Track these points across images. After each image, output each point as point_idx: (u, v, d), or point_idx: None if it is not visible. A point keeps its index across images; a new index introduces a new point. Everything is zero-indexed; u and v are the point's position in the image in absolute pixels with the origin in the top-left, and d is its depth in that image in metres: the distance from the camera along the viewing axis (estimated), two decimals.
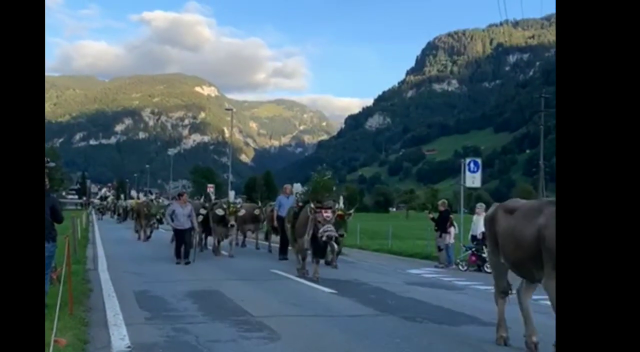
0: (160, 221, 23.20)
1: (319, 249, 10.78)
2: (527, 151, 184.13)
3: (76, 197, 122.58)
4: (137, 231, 23.34)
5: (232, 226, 14.97)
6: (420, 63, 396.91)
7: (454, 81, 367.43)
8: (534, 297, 5.97)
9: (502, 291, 5.93)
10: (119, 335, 5.80)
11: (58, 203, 7.48)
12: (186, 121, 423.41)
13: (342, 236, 11.90)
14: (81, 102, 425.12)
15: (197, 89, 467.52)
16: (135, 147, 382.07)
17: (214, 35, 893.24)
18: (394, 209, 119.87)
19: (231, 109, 62.26)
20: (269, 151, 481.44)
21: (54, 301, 5.62)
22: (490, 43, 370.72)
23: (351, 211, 13.02)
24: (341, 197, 12.68)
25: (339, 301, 8.50)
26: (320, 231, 10.19)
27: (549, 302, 5.18)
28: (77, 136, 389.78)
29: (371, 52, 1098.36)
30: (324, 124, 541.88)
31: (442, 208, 15.22)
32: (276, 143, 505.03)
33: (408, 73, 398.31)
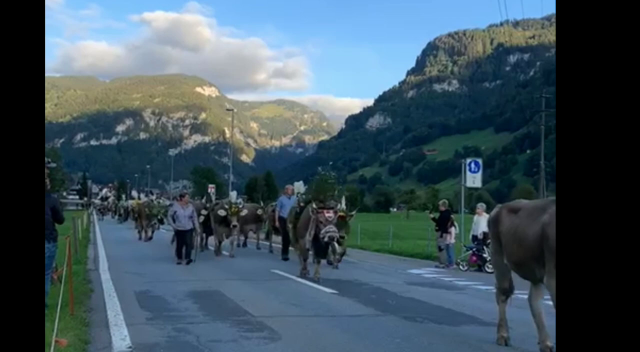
0: (161, 221, 23.23)
1: (321, 249, 10.74)
2: (528, 151, 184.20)
3: (77, 197, 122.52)
4: (138, 231, 23.36)
5: (235, 226, 14.96)
6: (421, 63, 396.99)
7: (455, 81, 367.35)
8: None
9: (504, 293, 5.92)
10: (120, 335, 5.80)
11: (59, 203, 7.48)
12: (187, 122, 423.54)
13: (342, 237, 11.84)
14: (82, 102, 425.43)
15: (198, 89, 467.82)
16: (136, 148, 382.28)
17: (214, 36, 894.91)
18: (395, 209, 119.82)
19: (232, 110, 62.35)
20: (270, 151, 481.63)
21: (55, 301, 5.62)
22: (491, 43, 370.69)
23: (353, 212, 12.99)
24: (343, 198, 12.64)
25: (340, 301, 8.50)
26: (322, 231, 10.12)
27: (550, 303, 5.17)
28: (78, 137, 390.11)
29: (371, 53, 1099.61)
30: (325, 124, 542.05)
31: (442, 208, 15.21)
32: (277, 143, 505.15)
33: (408, 73, 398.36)
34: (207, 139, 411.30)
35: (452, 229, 14.54)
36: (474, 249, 13.88)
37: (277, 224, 15.68)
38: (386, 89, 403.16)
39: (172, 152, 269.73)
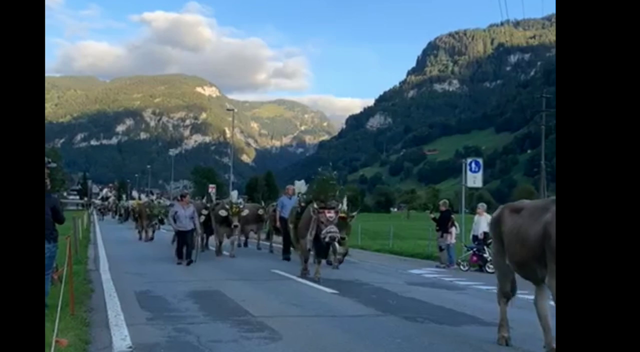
0: (161, 222, 23.23)
1: (322, 249, 10.71)
2: (529, 151, 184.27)
3: (77, 197, 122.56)
4: (138, 232, 23.38)
5: (236, 226, 14.95)
6: (421, 63, 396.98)
7: (455, 81, 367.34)
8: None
9: (505, 295, 5.90)
10: (121, 335, 5.80)
11: (59, 204, 7.48)
12: (187, 122, 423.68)
13: (343, 239, 11.81)
14: (82, 102, 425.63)
15: (198, 89, 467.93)
16: (137, 148, 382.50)
17: (214, 36, 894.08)
18: (395, 209, 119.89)
19: (232, 110, 62.41)
20: (270, 151, 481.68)
21: (56, 302, 5.62)
22: (491, 43, 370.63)
23: (354, 214, 12.97)
24: (345, 199, 12.59)
25: (341, 301, 8.50)
26: (324, 232, 10.08)
27: (552, 303, 5.16)
28: (79, 137, 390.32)
29: (372, 52, 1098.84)
30: (325, 124, 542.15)
31: (443, 208, 15.21)
32: (277, 143, 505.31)
33: (409, 73, 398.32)
34: (207, 139, 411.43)
35: (453, 229, 14.54)
36: (475, 249, 13.88)
37: (278, 224, 15.67)
38: (387, 89, 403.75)
39: (173, 152, 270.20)
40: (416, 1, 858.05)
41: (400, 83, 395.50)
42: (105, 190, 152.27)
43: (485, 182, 23.73)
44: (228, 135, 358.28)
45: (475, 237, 14.17)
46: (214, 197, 18.76)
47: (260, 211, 17.60)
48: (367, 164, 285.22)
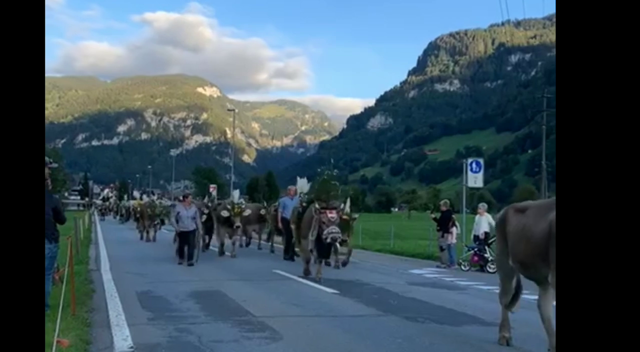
0: (162, 222, 23.24)
1: (323, 250, 10.68)
2: (529, 151, 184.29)
3: (78, 197, 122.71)
4: (139, 232, 23.39)
5: (238, 227, 14.94)
6: (422, 63, 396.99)
7: (456, 81, 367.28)
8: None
9: (507, 300, 5.88)
10: (122, 335, 5.81)
11: (60, 204, 7.49)
12: (188, 122, 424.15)
13: (344, 241, 11.77)
14: (83, 102, 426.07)
15: (199, 89, 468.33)
16: (138, 148, 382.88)
17: (215, 36, 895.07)
18: (396, 209, 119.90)
19: (233, 110, 62.45)
20: (271, 152, 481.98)
21: (57, 302, 5.62)
22: (492, 43, 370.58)
23: (356, 215, 12.93)
24: (348, 200, 12.53)
25: (341, 301, 8.50)
26: (325, 232, 10.04)
27: (554, 303, 5.15)
28: (80, 137, 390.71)
29: (373, 52, 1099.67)
30: (326, 124, 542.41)
31: (444, 208, 15.21)
32: (278, 143, 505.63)
33: (410, 73, 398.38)
34: (208, 139, 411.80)
35: (454, 229, 14.53)
36: (476, 249, 13.87)
37: (279, 224, 15.66)
38: (387, 89, 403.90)
39: (174, 152, 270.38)
40: (417, 1, 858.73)
41: (401, 83, 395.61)
42: (106, 190, 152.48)
43: (486, 182, 23.74)
44: (229, 135, 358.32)
45: (476, 237, 14.16)
46: (215, 198, 18.76)
47: (263, 211, 17.60)
48: (367, 164, 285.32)
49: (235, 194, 17.49)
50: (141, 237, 22.47)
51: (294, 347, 5.49)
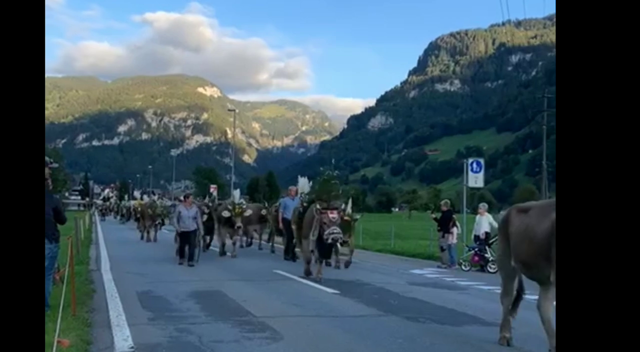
0: (163, 222, 23.23)
1: (324, 250, 10.66)
2: (530, 151, 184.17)
3: (79, 198, 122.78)
4: (140, 231, 23.39)
5: (239, 227, 14.93)
6: (423, 63, 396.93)
7: (457, 81, 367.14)
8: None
9: (509, 301, 5.87)
10: (122, 336, 5.81)
11: (61, 204, 7.49)
12: (189, 122, 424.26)
13: (345, 242, 11.76)
14: (84, 103, 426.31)
15: (200, 89, 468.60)
16: (138, 148, 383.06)
17: (216, 36, 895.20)
18: (397, 209, 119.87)
19: (234, 110, 62.40)
20: (272, 152, 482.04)
21: (57, 302, 5.63)
22: (493, 43, 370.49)
23: (358, 216, 12.90)
24: (350, 201, 12.49)
25: (342, 301, 8.50)
26: (326, 232, 10.00)
27: (554, 303, 5.14)
28: (80, 137, 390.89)
29: (373, 53, 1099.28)
30: (327, 124, 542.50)
31: (444, 208, 15.20)
32: (279, 143, 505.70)
33: (410, 73, 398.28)
34: (209, 139, 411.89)
35: (454, 229, 14.53)
36: (476, 249, 13.87)
37: (280, 225, 15.64)
38: (388, 89, 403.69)
39: (174, 152, 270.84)
40: (417, 1, 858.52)
41: (401, 83, 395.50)
42: (106, 190, 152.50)
43: (486, 182, 23.73)
44: (229, 135, 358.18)
45: (476, 237, 14.16)
46: (215, 198, 18.76)
47: (264, 211, 17.58)
48: (368, 164, 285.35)
49: (236, 194, 17.47)
50: (142, 238, 22.47)
51: (294, 348, 5.49)
